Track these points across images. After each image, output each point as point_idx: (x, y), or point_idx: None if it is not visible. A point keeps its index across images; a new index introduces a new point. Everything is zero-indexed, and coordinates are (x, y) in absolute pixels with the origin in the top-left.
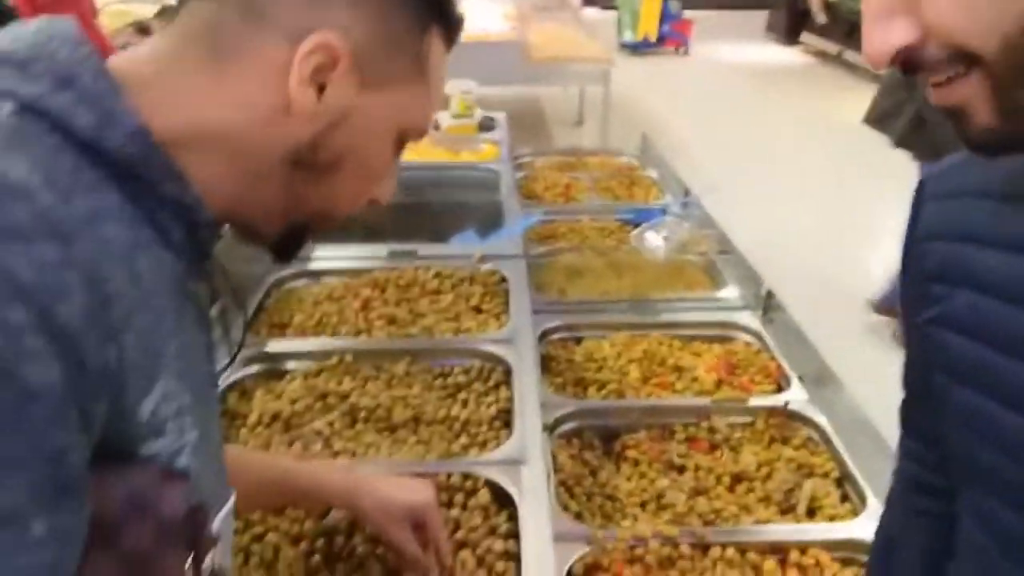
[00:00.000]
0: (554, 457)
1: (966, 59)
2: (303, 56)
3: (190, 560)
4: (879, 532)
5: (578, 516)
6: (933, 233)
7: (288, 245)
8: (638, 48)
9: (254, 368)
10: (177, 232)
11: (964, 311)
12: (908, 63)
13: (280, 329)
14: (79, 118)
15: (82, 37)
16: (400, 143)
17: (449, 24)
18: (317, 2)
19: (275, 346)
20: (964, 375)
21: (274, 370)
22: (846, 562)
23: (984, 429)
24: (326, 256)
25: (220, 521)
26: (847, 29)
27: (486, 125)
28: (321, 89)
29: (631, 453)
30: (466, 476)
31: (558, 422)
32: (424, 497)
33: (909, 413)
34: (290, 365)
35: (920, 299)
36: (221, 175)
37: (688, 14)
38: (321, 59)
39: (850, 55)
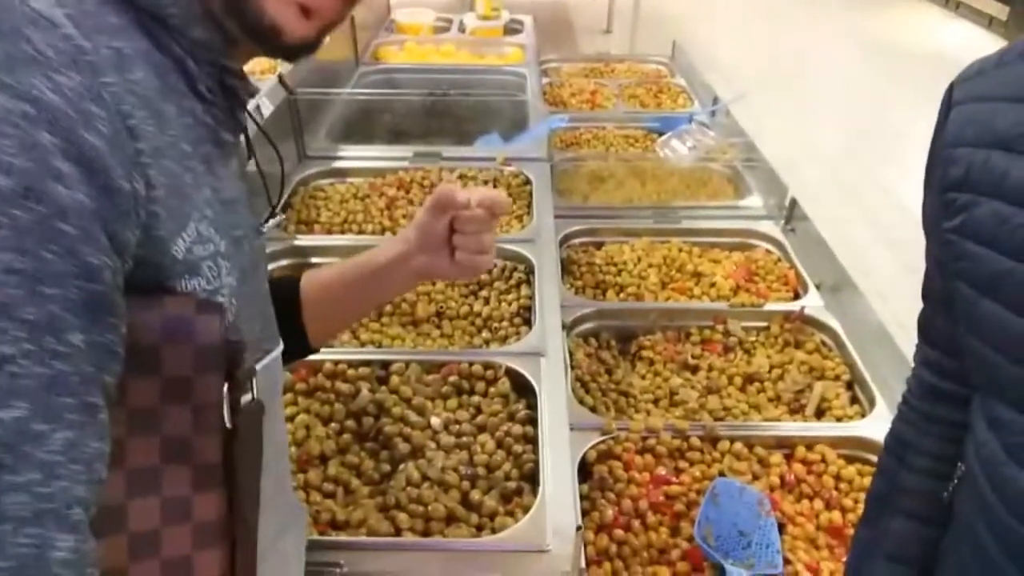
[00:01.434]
0: (571, 355)
1: None
2: None
3: (226, 388)
4: (891, 435)
5: (593, 410)
6: (960, 139)
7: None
8: None
9: (284, 262)
10: (206, 81)
11: (989, 220)
12: None
13: (307, 226)
14: None
15: None
16: None
17: None
18: None
19: (303, 241)
20: (986, 285)
21: (302, 264)
22: (851, 459)
23: (1005, 338)
24: (352, 156)
25: (263, 366)
26: None
27: (512, 28)
28: None
29: (646, 353)
30: (487, 365)
31: (576, 322)
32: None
33: (929, 322)
34: (316, 260)
35: (944, 207)
36: None
37: None
38: None
39: None
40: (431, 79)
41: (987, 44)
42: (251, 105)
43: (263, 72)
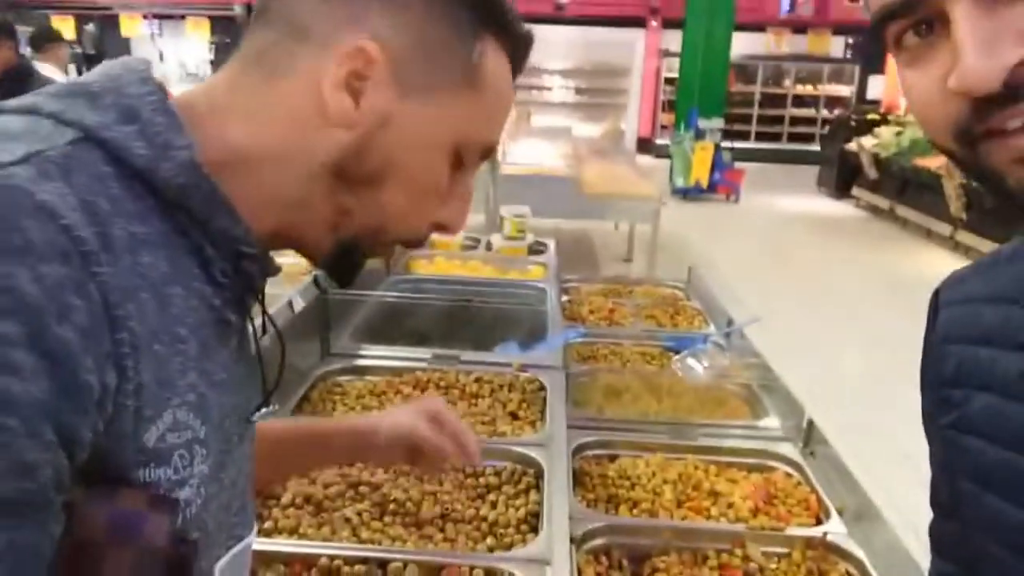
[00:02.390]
0: (580, 572)
1: None
2: (337, 61)
3: None
4: None
5: None
6: (949, 337)
7: (344, 265)
8: (689, 193)
9: None
10: (221, 264)
11: (983, 414)
12: (1018, 83)
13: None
14: (136, 150)
15: (149, 74)
16: (458, 158)
17: (505, 32)
18: (356, 14)
19: None
20: (988, 480)
21: None
22: None
23: (1013, 534)
24: (373, 355)
25: (230, 556)
26: (898, 185)
27: (536, 249)
28: (359, 95)
29: None
30: (489, 571)
31: (587, 536)
32: (434, 402)
33: (939, 533)
34: None
35: (940, 405)
36: (269, 192)
37: (739, 165)
38: (355, 64)
39: (901, 210)
40: (456, 289)
41: None
42: (283, 300)
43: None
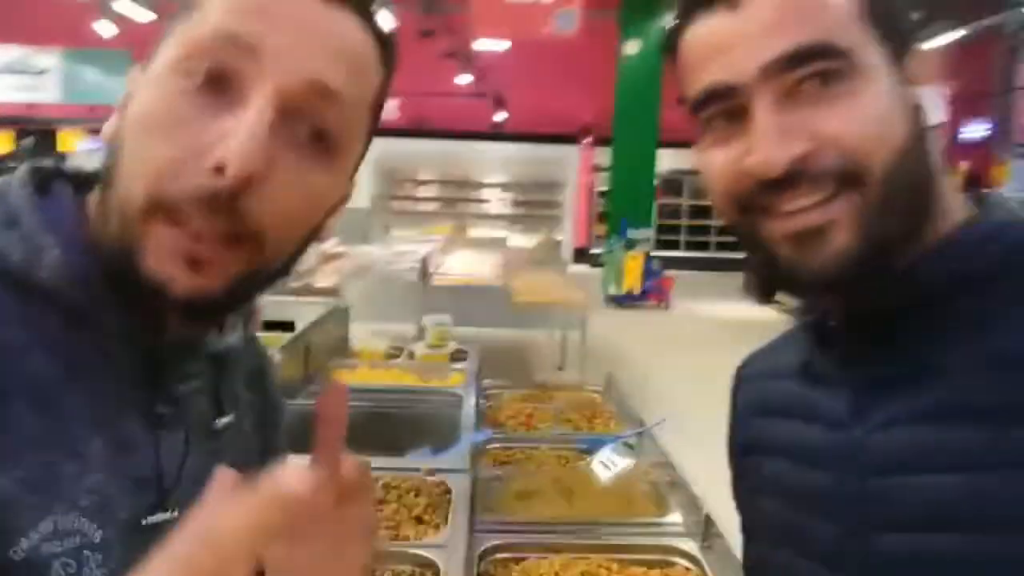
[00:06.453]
0: None
1: (849, 177)
2: None
3: None
4: None
5: None
6: (747, 411)
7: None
8: (622, 301)
9: None
10: (130, 361)
11: (771, 477)
12: (799, 173)
13: None
14: (12, 255)
15: (26, 176)
16: (187, 72)
17: None
18: None
19: None
20: (778, 538)
21: None
22: None
23: None
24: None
25: None
26: None
27: (458, 356)
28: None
29: None
30: None
31: None
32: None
33: None
34: None
35: (740, 473)
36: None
37: (669, 273)
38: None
39: None
40: (374, 396)
41: None
42: None
43: None
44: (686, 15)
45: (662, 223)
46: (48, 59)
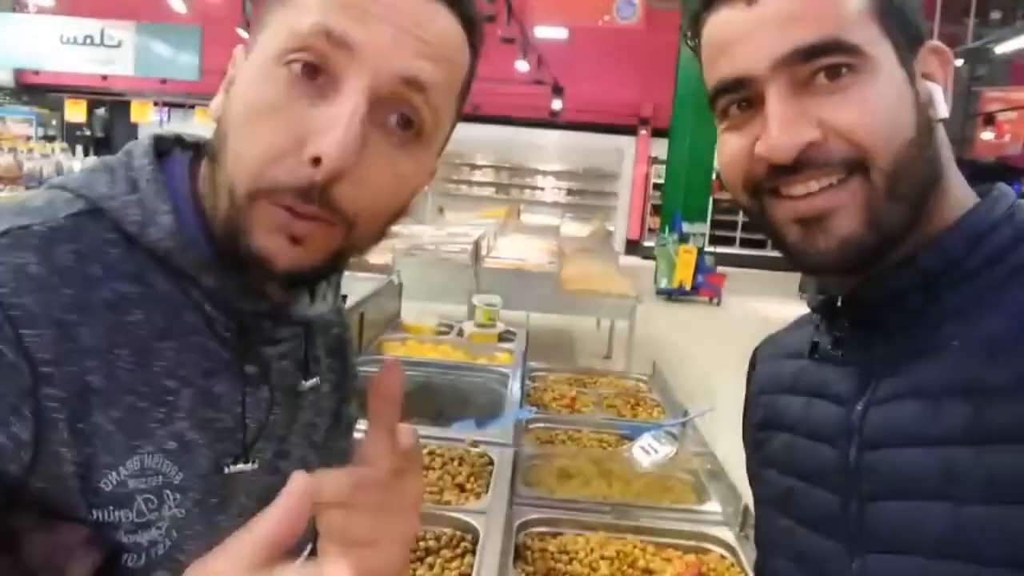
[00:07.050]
0: None
1: (856, 166)
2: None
3: None
4: None
5: None
6: (761, 389)
7: (247, 252)
8: (673, 295)
9: None
10: (224, 320)
11: (780, 450)
12: (807, 160)
13: None
14: (130, 217)
15: (149, 147)
16: (286, 63)
17: None
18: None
19: None
20: (782, 507)
21: None
22: None
23: (799, 546)
24: None
25: None
26: None
27: (505, 337)
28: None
29: None
30: None
31: None
32: None
33: (759, 569)
34: None
35: (753, 447)
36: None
37: (722, 269)
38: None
39: None
40: (423, 369)
41: None
42: None
43: None
44: (707, 5)
45: (717, 219)
46: (122, 33)
